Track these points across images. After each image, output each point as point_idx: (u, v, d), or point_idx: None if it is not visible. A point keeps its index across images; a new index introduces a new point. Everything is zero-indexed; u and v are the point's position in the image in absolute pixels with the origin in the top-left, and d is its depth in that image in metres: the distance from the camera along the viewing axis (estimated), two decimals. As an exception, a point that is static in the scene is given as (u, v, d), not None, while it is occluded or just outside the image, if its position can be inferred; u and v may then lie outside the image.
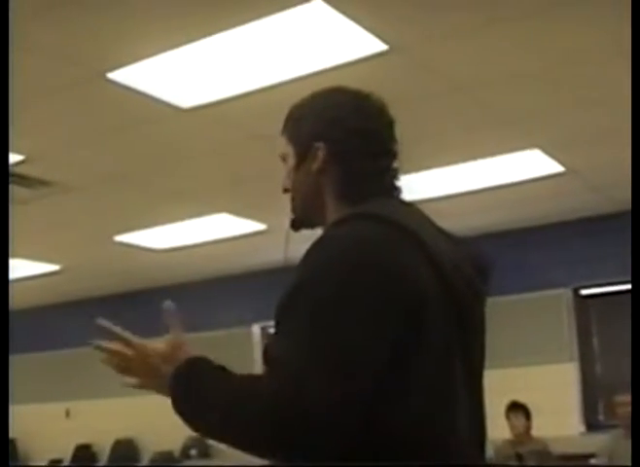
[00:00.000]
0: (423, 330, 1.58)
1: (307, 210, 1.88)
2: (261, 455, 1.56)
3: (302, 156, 1.85)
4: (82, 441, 11.31)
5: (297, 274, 1.61)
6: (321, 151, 1.82)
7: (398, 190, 1.86)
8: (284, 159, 1.91)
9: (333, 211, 1.82)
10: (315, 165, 1.83)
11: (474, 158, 6.48)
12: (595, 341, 8.30)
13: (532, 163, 6.65)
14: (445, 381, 1.61)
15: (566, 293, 8.30)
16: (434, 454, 1.56)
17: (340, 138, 1.81)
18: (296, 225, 1.92)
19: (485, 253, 1.85)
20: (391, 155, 1.86)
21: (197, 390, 1.62)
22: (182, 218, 7.96)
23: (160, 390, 1.73)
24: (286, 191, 1.91)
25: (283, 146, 1.91)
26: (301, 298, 1.58)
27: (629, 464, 6.82)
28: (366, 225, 1.65)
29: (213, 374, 1.63)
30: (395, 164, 1.86)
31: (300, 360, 1.49)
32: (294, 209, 1.90)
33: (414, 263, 1.61)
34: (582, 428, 8.06)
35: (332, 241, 1.65)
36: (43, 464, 11.39)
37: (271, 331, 1.68)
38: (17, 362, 8.73)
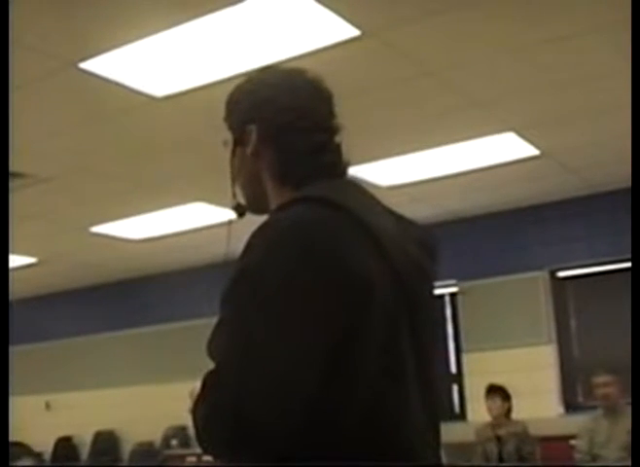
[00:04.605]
0: (369, 317, 1.52)
1: (249, 196, 1.83)
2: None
3: (238, 140, 1.82)
4: (62, 433, 11.29)
5: (237, 264, 1.56)
6: (253, 133, 1.77)
7: (341, 167, 1.79)
8: (225, 145, 1.87)
9: (274, 194, 1.76)
10: (249, 149, 1.79)
11: (448, 142, 6.47)
12: (573, 322, 8.34)
13: (506, 147, 6.66)
14: (395, 370, 1.56)
15: (543, 275, 8.32)
16: (385, 448, 1.51)
17: (271, 117, 1.76)
18: (239, 210, 1.86)
19: (433, 233, 1.81)
20: (329, 130, 1.78)
21: None
22: (158, 207, 7.93)
23: None
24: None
25: (226, 132, 1.87)
26: (240, 289, 1.54)
27: (609, 444, 6.89)
28: (306, 209, 1.59)
29: None
30: (336, 140, 1.79)
31: (238, 363, 1.46)
32: (234, 195, 1.85)
33: (357, 246, 1.55)
34: (561, 409, 8.10)
35: (271, 228, 1.58)
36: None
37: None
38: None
